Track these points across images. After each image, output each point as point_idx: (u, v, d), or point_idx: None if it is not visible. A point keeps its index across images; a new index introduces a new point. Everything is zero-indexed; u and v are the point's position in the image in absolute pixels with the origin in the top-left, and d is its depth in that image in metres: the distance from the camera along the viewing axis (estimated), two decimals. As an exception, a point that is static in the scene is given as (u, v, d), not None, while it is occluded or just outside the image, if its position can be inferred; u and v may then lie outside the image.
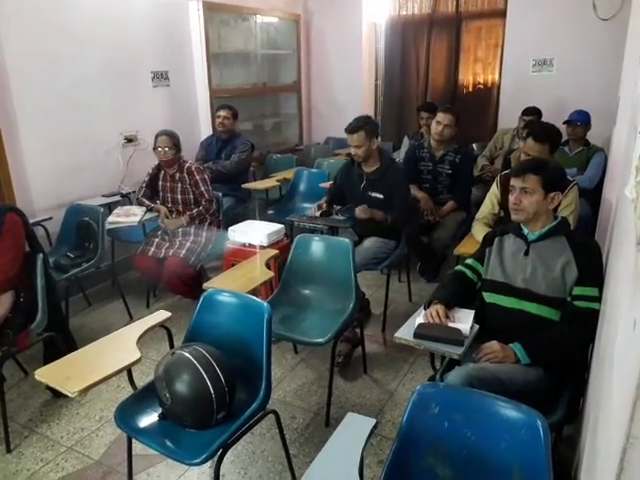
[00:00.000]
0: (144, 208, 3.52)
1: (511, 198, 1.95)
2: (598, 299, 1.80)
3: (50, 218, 3.44)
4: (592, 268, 1.84)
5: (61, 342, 2.47)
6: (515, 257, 1.98)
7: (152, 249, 3.33)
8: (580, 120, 3.92)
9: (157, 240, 3.41)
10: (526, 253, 1.95)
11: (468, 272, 2.11)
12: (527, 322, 1.89)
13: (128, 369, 1.79)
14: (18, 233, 2.35)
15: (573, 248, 1.87)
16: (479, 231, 2.72)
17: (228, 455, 1.88)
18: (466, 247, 2.68)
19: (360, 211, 3.08)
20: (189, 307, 3.21)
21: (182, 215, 3.50)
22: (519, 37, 4.84)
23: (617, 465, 0.74)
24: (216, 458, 1.64)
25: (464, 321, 1.87)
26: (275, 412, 1.91)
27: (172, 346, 2.13)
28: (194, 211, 3.49)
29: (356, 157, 3.10)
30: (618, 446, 0.75)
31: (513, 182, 1.95)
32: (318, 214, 3.26)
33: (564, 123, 3.92)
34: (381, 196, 3.12)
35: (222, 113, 4.27)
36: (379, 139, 3.15)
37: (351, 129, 3.03)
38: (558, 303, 1.86)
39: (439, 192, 3.72)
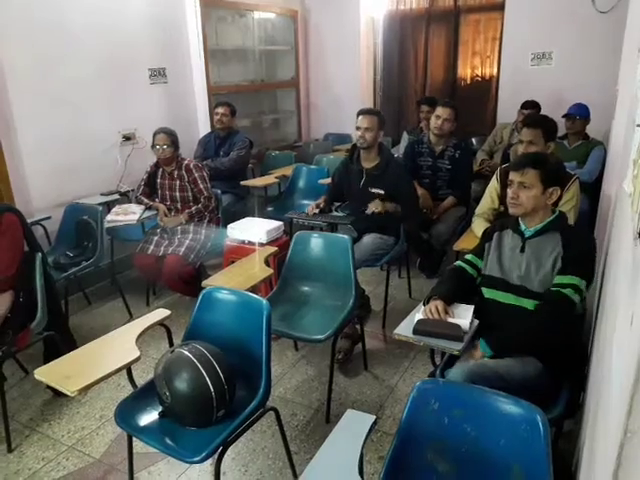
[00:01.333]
0: (143, 206, 3.52)
1: (509, 192, 1.94)
2: (572, 286, 1.77)
3: (49, 217, 3.44)
4: (575, 260, 1.82)
5: (61, 341, 2.47)
6: (512, 253, 1.98)
7: (151, 247, 3.33)
8: (579, 114, 3.90)
9: (156, 238, 3.41)
10: (522, 250, 1.95)
11: (468, 267, 2.10)
12: (525, 318, 1.88)
13: (128, 368, 1.80)
14: (16, 233, 2.35)
15: (564, 243, 1.86)
16: (479, 226, 2.71)
17: (229, 452, 1.88)
18: (466, 242, 2.68)
19: (374, 205, 3.06)
20: (189, 305, 3.21)
21: (181, 213, 3.50)
22: (517, 30, 4.82)
23: (615, 460, 0.74)
24: (216, 456, 1.65)
25: (464, 316, 1.87)
26: (275, 409, 1.91)
27: (172, 344, 2.13)
28: (193, 209, 3.48)
29: (361, 141, 3.08)
30: (616, 441, 0.75)
31: (512, 176, 1.94)
32: (316, 211, 3.26)
33: (563, 117, 3.91)
34: (382, 192, 3.11)
35: (220, 110, 4.25)
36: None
37: (366, 111, 3.11)
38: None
39: (439, 187, 3.71)
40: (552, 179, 1.89)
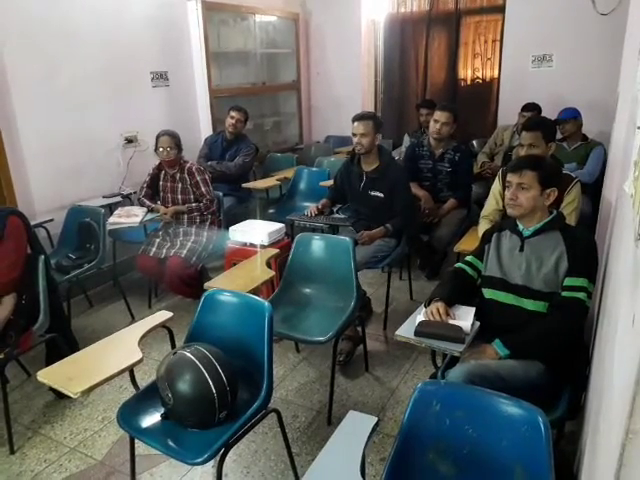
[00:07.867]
0: (145, 208, 3.53)
1: (507, 194, 1.96)
2: (584, 289, 1.80)
3: (51, 220, 3.45)
4: (581, 259, 1.84)
5: (63, 343, 2.48)
6: (511, 254, 1.99)
7: (153, 249, 3.34)
8: (566, 117, 3.93)
9: (158, 240, 3.41)
10: (521, 249, 1.96)
11: (468, 269, 2.11)
12: (525, 318, 1.89)
13: (130, 369, 1.80)
14: (20, 236, 2.36)
15: (566, 241, 1.88)
16: (484, 228, 2.72)
17: (230, 454, 1.89)
18: (466, 244, 2.68)
19: (362, 240, 3.03)
20: (190, 307, 3.21)
21: (182, 215, 3.50)
22: (518, 33, 4.83)
23: (616, 461, 0.74)
24: (218, 457, 1.65)
25: (465, 318, 1.88)
26: (277, 411, 1.92)
27: (174, 346, 2.14)
28: (193, 205, 3.49)
29: (358, 147, 3.08)
30: (617, 441, 0.76)
31: (510, 178, 1.96)
32: (316, 212, 3.26)
33: (556, 124, 3.92)
34: (381, 195, 3.12)
35: (236, 115, 4.27)
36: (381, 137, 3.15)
37: (360, 116, 3.07)
38: (553, 298, 1.87)
39: (439, 190, 3.71)
40: (550, 180, 1.91)
